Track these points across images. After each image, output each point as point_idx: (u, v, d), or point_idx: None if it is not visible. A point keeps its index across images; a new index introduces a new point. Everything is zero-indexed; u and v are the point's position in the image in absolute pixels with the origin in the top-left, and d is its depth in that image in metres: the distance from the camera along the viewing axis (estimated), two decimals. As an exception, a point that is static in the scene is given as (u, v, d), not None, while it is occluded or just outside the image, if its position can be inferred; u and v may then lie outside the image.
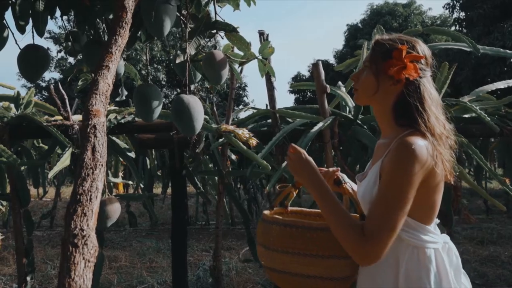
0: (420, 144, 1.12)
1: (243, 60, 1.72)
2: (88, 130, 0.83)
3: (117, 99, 1.89)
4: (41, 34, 1.67)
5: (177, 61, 1.44)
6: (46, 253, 4.97)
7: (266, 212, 1.47)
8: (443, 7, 16.05)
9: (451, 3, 15.80)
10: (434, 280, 1.16)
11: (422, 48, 1.26)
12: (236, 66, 1.86)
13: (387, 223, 1.10)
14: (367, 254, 1.11)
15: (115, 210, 1.83)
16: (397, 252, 1.18)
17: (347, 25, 26.84)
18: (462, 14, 15.78)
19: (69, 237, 0.66)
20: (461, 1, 15.48)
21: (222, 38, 1.69)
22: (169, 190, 6.13)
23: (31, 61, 1.65)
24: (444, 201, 2.81)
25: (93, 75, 1.05)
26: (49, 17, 1.66)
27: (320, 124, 2.67)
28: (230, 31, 1.58)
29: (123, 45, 1.08)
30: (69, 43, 1.69)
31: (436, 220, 1.27)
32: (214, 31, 1.64)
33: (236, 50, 1.77)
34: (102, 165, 0.77)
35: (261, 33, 2.86)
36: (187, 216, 4.98)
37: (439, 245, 1.21)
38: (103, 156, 0.79)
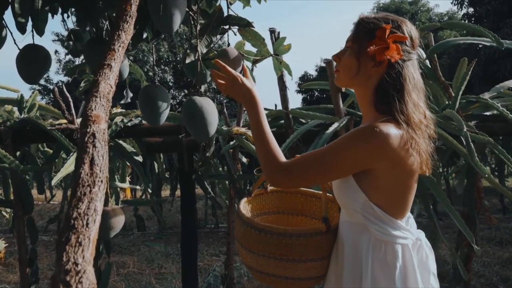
0: (389, 131, 1.07)
1: (257, 58, 1.60)
2: (86, 139, 0.71)
3: (122, 101, 1.78)
4: (40, 33, 1.56)
5: (187, 60, 1.32)
6: (52, 259, 4.88)
7: (243, 204, 1.45)
8: (452, 2, 15.81)
9: (459, -1, 15.58)
10: (399, 278, 1.11)
11: (409, 29, 1.17)
12: (249, 64, 1.74)
13: (305, 172, 1.12)
14: (277, 181, 1.17)
15: (119, 221, 1.72)
16: (362, 244, 1.15)
17: (354, 23, 26.59)
18: (471, 9, 15.54)
19: (60, 273, 0.54)
20: (470, -4, 15.25)
21: (235, 35, 1.57)
22: (177, 192, 6.02)
23: (31, 62, 1.55)
24: (467, 202, 2.69)
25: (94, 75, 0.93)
26: (56, 17, 1.57)
27: (335, 125, 2.54)
28: (245, 26, 1.46)
29: (127, 42, 0.96)
30: (71, 43, 1.58)
31: (409, 214, 1.21)
32: (227, 26, 1.51)
33: (247, 47, 1.66)
34: (102, 181, 0.65)
35: (271, 31, 2.74)
36: (196, 221, 4.87)
37: (409, 241, 1.15)
38: (104, 170, 0.67)
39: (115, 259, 4.78)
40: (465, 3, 15.49)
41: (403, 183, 1.15)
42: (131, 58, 17.76)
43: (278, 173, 1.15)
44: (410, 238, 1.17)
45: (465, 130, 2.19)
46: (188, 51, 1.35)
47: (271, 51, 1.64)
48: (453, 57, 14.08)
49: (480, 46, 12.88)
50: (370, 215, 1.14)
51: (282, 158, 1.18)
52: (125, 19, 0.95)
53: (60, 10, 1.56)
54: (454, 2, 15.69)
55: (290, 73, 1.66)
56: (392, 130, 1.07)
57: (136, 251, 5.27)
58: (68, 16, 1.42)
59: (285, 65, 1.61)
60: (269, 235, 1.22)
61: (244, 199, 1.50)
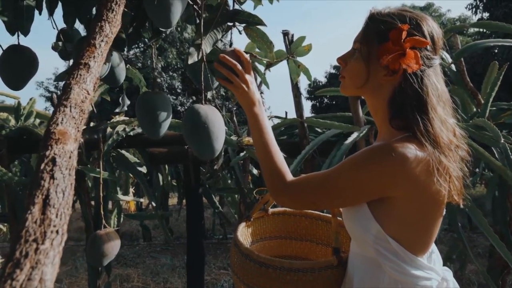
0: (407, 153, 0.88)
1: (271, 61, 1.39)
2: (42, 166, 0.51)
3: (117, 110, 1.59)
4: (25, 33, 1.38)
5: (190, 61, 1.11)
6: (55, 271, 4.70)
7: (241, 229, 1.30)
8: (466, 7, 15.57)
9: (474, 3, 15.28)
10: None
11: (430, 28, 0.96)
12: (261, 68, 1.54)
13: (311, 195, 0.98)
14: (282, 201, 1.05)
15: (113, 246, 1.52)
16: (375, 283, 0.96)
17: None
18: (486, 14, 15.22)
19: None
20: (484, 1, 14.94)
21: (240, 33, 1.36)
22: (185, 201, 5.81)
23: (14, 66, 1.36)
24: (499, 220, 2.45)
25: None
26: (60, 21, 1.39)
27: (354, 135, 2.34)
28: (255, 23, 1.25)
29: (112, 35, 0.76)
30: (59, 43, 1.39)
31: (433, 249, 0.99)
32: (232, 23, 1.30)
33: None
34: (58, 232, 0.45)
35: (285, 33, 2.53)
36: (203, 234, 4.66)
37: (433, 282, 0.94)
38: (63, 214, 0.47)
39: (118, 271, 4.58)
40: (480, 7, 15.21)
41: (426, 214, 0.95)
42: (139, 64, 17.71)
43: (284, 192, 1.02)
44: (435, 279, 0.96)
45: (502, 141, 1.97)
46: (191, 49, 1.13)
47: (281, 54, 1.44)
48: (467, 62, 13.73)
49: (496, 50, 12.56)
50: (385, 249, 0.93)
51: (289, 176, 1.04)
52: (110, 6, 0.75)
53: (52, 10, 1.39)
54: (468, 7, 15.44)
55: (309, 78, 1.45)
56: (411, 152, 0.88)
57: (141, 263, 5.07)
58: (52, 13, 1.23)
59: (304, 68, 1.41)
60: (271, 270, 1.06)
61: (243, 224, 1.35)
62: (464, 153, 0.98)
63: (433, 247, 1.02)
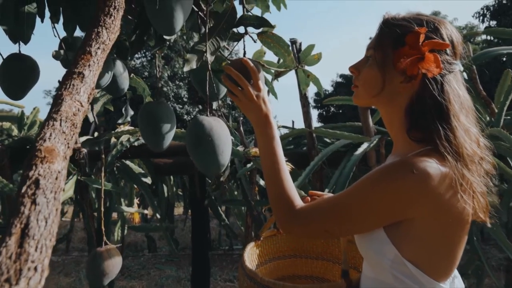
0: (428, 169, 0.80)
1: (280, 70, 1.33)
2: (24, 189, 0.45)
3: (120, 121, 1.54)
4: (26, 41, 1.34)
5: (186, 68, 1.03)
6: (58, 282, 4.64)
7: (249, 250, 1.25)
8: (473, 16, 15.54)
9: (482, 12, 15.23)
10: None
11: (449, 32, 0.89)
12: (269, 77, 1.48)
13: (324, 222, 0.90)
14: (290, 229, 0.98)
15: (114, 264, 1.45)
16: None
17: (370, 38, 26.27)
18: (493, 22, 15.16)
19: None
20: (491, 10, 14.89)
21: (255, 41, 1.29)
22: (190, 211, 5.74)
23: (14, 75, 1.32)
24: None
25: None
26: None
27: (364, 145, 2.27)
28: (260, 26, 1.17)
29: (110, 42, 0.71)
30: (61, 52, 1.34)
31: (455, 273, 0.92)
32: (243, 31, 1.24)
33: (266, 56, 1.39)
34: (36, 269, 0.39)
35: (292, 42, 2.48)
36: (209, 245, 4.58)
37: None
38: (45, 247, 0.41)
39: (123, 283, 4.52)
40: (487, 16, 15.16)
41: (449, 235, 0.86)
42: (145, 73, 17.77)
43: (292, 220, 0.94)
44: None
45: (520, 152, 1.90)
46: (188, 56, 1.06)
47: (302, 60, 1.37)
48: (477, 69, 13.68)
49: (505, 58, 12.45)
50: (403, 274, 0.84)
51: (298, 201, 0.96)
52: (108, 11, 0.70)
53: (57, 18, 1.34)
54: (475, 15, 15.39)
55: (320, 88, 1.38)
56: (434, 167, 0.81)
57: (146, 275, 5.00)
58: (57, 21, 1.19)
59: (313, 78, 1.34)
60: None
61: (252, 244, 1.29)
62: (489, 166, 0.90)
63: (455, 272, 0.93)
